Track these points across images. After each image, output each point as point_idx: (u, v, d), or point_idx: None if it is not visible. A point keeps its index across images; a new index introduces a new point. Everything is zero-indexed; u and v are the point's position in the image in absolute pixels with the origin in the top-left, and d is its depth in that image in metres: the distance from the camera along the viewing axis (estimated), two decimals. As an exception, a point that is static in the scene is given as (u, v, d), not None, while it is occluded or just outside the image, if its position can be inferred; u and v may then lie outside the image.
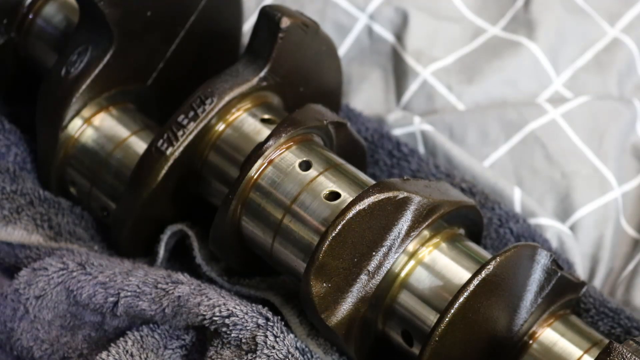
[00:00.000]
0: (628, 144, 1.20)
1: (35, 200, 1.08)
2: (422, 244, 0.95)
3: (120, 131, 1.09)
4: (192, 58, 1.14)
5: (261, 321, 0.94)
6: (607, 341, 0.90)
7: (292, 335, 0.95)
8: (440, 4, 1.27)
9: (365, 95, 1.25)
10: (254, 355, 0.92)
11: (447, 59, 1.25)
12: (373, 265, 0.93)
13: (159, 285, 0.97)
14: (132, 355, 0.96)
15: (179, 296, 0.96)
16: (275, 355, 0.92)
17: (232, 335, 0.94)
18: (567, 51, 1.24)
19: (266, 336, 0.93)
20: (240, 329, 0.94)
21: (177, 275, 0.98)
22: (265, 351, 0.92)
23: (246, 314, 0.94)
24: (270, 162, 0.99)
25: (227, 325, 0.94)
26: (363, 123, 1.18)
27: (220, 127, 1.03)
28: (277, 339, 0.93)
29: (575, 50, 1.25)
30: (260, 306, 0.96)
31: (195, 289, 0.97)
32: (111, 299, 0.98)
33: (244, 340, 0.94)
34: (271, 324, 0.94)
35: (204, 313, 0.95)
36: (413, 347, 0.95)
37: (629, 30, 1.26)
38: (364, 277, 0.93)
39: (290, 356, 0.93)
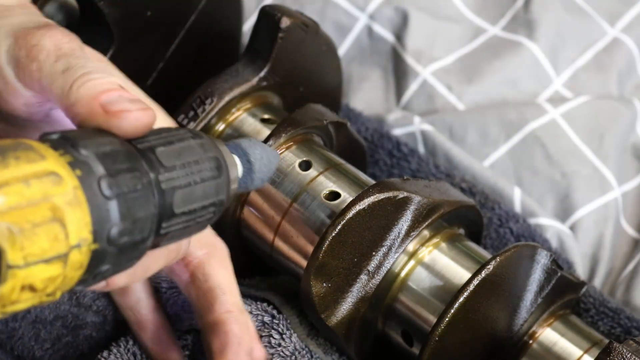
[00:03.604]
0: (628, 144, 1.20)
1: (36, 200, 1.08)
2: (422, 244, 0.95)
3: (120, 131, 1.09)
4: (192, 58, 1.14)
5: (267, 318, 0.94)
6: (607, 341, 0.90)
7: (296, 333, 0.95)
8: (440, 4, 1.27)
9: (365, 95, 1.25)
10: (260, 355, 0.93)
11: (447, 59, 1.25)
12: (373, 265, 0.93)
13: (162, 289, 0.97)
14: (134, 354, 0.95)
15: (183, 300, 0.96)
16: (281, 353, 0.92)
17: (237, 334, 0.94)
18: (567, 51, 1.24)
19: (271, 334, 0.93)
20: (245, 328, 0.94)
21: (177, 277, 0.98)
22: (271, 350, 0.92)
23: (250, 312, 0.94)
24: (270, 162, 0.99)
25: (231, 325, 0.94)
26: (363, 123, 1.18)
27: (220, 127, 1.03)
28: (284, 335, 0.93)
29: (575, 50, 1.25)
30: (265, 304, 0.96)
31: (197, 290, 0.97)
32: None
33: (248, 340, 0.94)
34: (276, 321, 0.94)
35: (206, 314, 0.95)
36: (413, 347, 0.95)
37: (629, 30, 1.26)
38: (364, 277, 0.93)
39: (297, 353, 0.93)
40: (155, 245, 0.67)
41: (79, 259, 0.61)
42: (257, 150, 0.75)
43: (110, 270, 0.64)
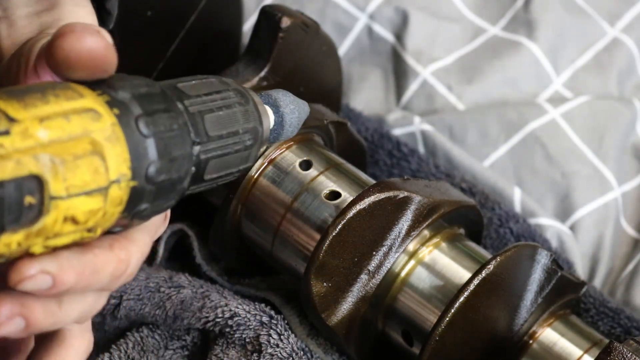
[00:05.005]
0: (628, 144, 1.20)
1: (35, 200, 1.08)
2: (423, 244, 0.95)
3: (121, 131, 1.09)
4: (192, 58, 1.14)
5: (265, 319, 0.94)
6: (607, 341, 0.90)
7: (294, 334, 0.95)
8: (440, 3, 1.27)
9: (365, 95, 1.25)
10: (259, 356, 0.92)
11: (447, 59, 1.25)
12: (373, 264, 0.93)
13: (162, 289, 0.97)
14: (133, 359, 0.95)
15: (182, 300, 0.96)
16: (279, 354, 0.92)
17: (236, 335, 0.94)
18: (567, 51, 1.24)
19: (269, 335, 0.93)
20: (244, 329, 0.94)
21: (178, 278, 0.98)
22: (269, 350, 0.92)
23: (249, 312, 0.94)
24: (271, 161, 0.99)
25: (231, 327, 0.94)
26: (363, 123, 1.17)
27: (221, 126, 1.03)
28: (282, 336, 0.93)
29: (575, 50, 1.25)
30: (263, 305, 0.96)
31: (198, 292, 0.96)
32: (113, 301, 0.98)
33: (247, 340, 0.94)
34: (275, 322, 0.94)
35: (207, 315, 0.94)
36: (413, 346, 0.95)
37: (629, 30, 1.26)
38: (364, 277, 0.93)
39: (294, 354, 0.93)
40: (193, 185, 0.69)
41: (119, 194, 0.62)
42: (288, 100, 0.77)
43: (149, 210, 0.65)
